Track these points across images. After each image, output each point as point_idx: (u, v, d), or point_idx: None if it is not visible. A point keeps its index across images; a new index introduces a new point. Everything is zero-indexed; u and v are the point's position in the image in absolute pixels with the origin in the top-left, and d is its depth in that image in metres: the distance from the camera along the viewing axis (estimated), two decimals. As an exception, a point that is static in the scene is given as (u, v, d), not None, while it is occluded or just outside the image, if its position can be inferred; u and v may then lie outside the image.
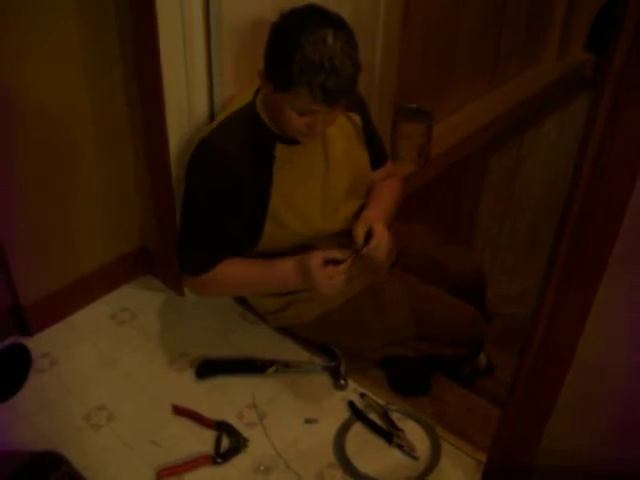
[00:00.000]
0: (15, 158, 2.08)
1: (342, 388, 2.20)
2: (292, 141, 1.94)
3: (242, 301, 2.48)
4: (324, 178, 2.04)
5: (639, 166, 1.24)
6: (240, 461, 1.97)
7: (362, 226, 2.03)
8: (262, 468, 1.95)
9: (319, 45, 1.67)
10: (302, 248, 2.03)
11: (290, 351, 2.32)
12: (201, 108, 2.20)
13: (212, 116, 2.21)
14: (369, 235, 2.01)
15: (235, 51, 2.13)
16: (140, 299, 2.52)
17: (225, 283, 2.06)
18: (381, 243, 2.00)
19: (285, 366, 2.23)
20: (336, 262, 1.91)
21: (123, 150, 2.36)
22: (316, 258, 1.90)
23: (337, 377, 2.21)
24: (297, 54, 1.67)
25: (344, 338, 2.26)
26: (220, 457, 1.95)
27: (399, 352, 2.25)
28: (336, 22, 1.72)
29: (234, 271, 2.03)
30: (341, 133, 2.05)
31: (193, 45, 2.08)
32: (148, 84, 2.15)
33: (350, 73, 1.72)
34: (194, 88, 2.15)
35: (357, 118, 2.11)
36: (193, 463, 1.93)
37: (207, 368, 2.22)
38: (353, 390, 2.19)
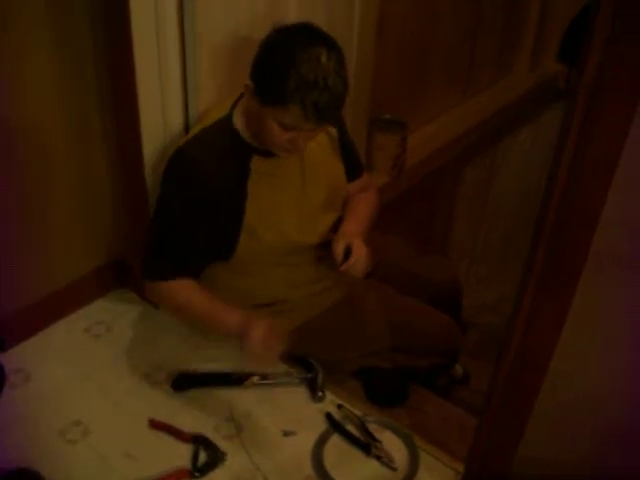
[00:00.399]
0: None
1: (319, 400, 2.19)
2: (269, 153, 1.95)
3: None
4: (300, 191, 2.04)
5: (612, 174, 1.26)
6: (218, 475, 1.95)
7: (341, 242, 2.04)
8: (240, 481, 1.94)
9: (313, 63, 1.68)
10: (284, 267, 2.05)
11: (267, 363, 2.31)
12: (176, 121, 2.18)
13: (187, 129, 2.20)
14: (348, 251, 2.03)
15: (210, 65, 2.12)
16: (115, 312, 2.50)
17: (174, 299, 2.06)
18: (360, 259, 2.03)
19: (262, 378, 2.22)
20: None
21: (98, 165, 2.34)
22: (259, 329, 1.87)
23: (314, 389, 2.20)
24: (291, 71, 1.68)
25: (320, 349, 2.26)
26: (197, 471, 1.94)
27: (375, 363, 2.25)
28: (329, 42, 1.75)
29: (185, 292, 2.02)
30: (317, 145, 2.05)
31: (168, 59, 2.07)
32: (123, 98, 2.14)
33: (341, 92, 1.75)
34: (169, 101, 2.14)
35: (333, 130, 2.12)
36: (170, 478, 1.91)
37: (183, 381, 2.20)
38: (330, 402, 2.19)
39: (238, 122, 1.95)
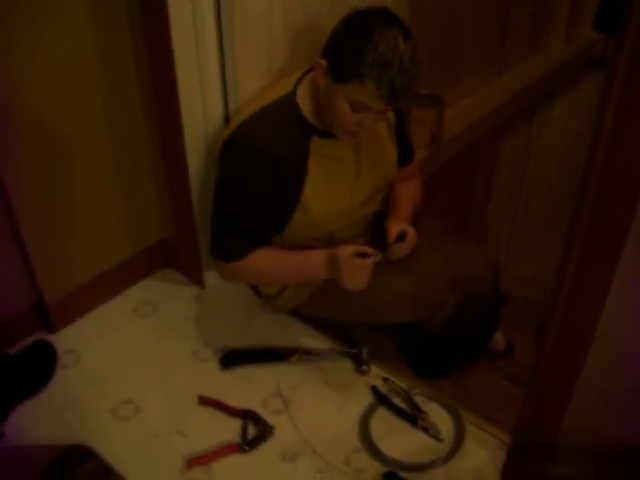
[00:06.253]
0: (36, 158, 2.10)
1: (364, 373, 2.21)
2: (327, 134, 1.97)
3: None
4: (354, 172, 2.06)
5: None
6: (267, 448, 1.99)
7: (396, 225, 2.07)
8: (289, 455, 1.97)
9: (391, 43, 1.71)
10: (323, 242, 2.06)
11: (311, 338, 2.35)
12: (216, 101, 2.21)
13: (226, 108, 2.23)
14: (402, 235, 2.06)
15: (248, 55, 2.14)
16: (162, 292, 2.55)
17: (255, 271, 2.08)
18: (410, 247, 2.07)
19: (307, 354, 2.25)
20: (364, 255, 1.93)
21: (141, 147, 2.38)
22: (346, 249, 1.92)
23: (359, 363, 2.23)
24: (370, 47, 1.70)
25: (376, 292, 2.12)
26: (247, 445, 1.97)
27: (428, 311, 2.19)
28: (404, 27, 1.77)
29: (265, 260, 2.05)
30: (373, 130, 2.05)
31: (206, 50, 2.10)
32: (163, 86, 2.18)
33: (413, 75, 1.77)
34: (209, 89, 2.18)
35: (391, 115, 2.12)
36: (221, 452, 1.96)
37: (231, 358, 2.24)
38: (376, 375, 2.21)
39: (301, 99, 1.96)
